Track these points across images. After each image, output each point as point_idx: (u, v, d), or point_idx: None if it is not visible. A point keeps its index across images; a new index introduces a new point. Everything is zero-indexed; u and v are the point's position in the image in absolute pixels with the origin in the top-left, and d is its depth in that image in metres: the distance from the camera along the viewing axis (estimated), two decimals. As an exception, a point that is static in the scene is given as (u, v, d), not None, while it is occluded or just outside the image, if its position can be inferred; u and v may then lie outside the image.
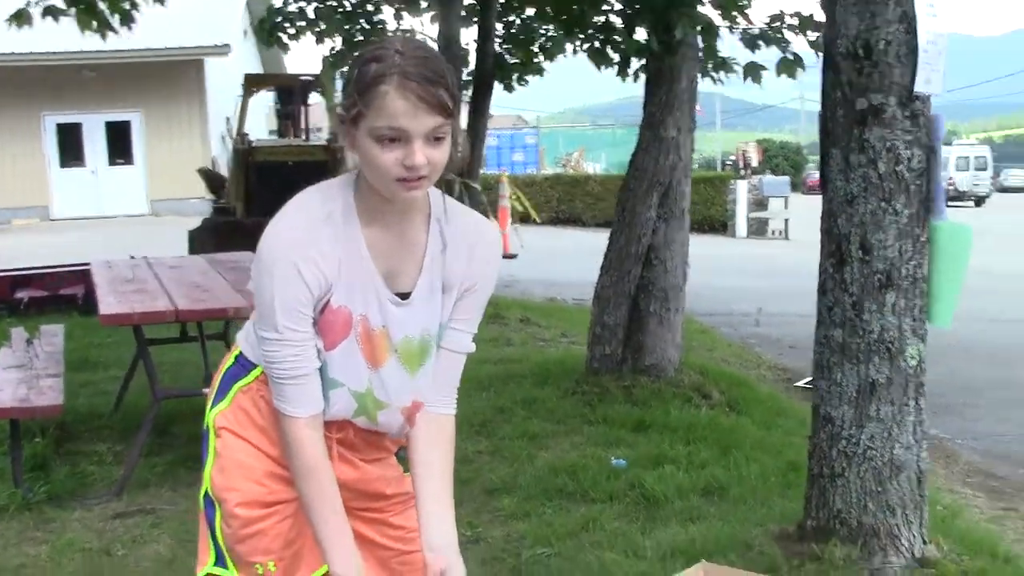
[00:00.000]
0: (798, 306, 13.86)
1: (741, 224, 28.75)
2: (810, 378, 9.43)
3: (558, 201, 32.04)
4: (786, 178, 32.63)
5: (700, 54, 7.80)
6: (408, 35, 2.63)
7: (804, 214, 30.09)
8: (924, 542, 4.58)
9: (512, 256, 14.87)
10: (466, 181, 11.54)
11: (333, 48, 11.77)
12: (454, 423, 2.68)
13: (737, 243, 27.21)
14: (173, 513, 5.39)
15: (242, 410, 2.58)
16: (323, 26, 11.50)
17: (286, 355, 2.39)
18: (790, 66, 6.98)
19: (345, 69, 10.50)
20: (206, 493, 2.59)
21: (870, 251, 4.48)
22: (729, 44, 8.01)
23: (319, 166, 13.05)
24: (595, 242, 24.10)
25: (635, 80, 8.43)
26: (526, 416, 6.91)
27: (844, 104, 4.55)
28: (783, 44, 7.22)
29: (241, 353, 2.61)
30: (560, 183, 33.25)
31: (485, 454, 6.27)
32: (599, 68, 8.11)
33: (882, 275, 4.47)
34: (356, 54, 2.54)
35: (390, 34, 10.47)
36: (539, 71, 11.59)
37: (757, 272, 18.92)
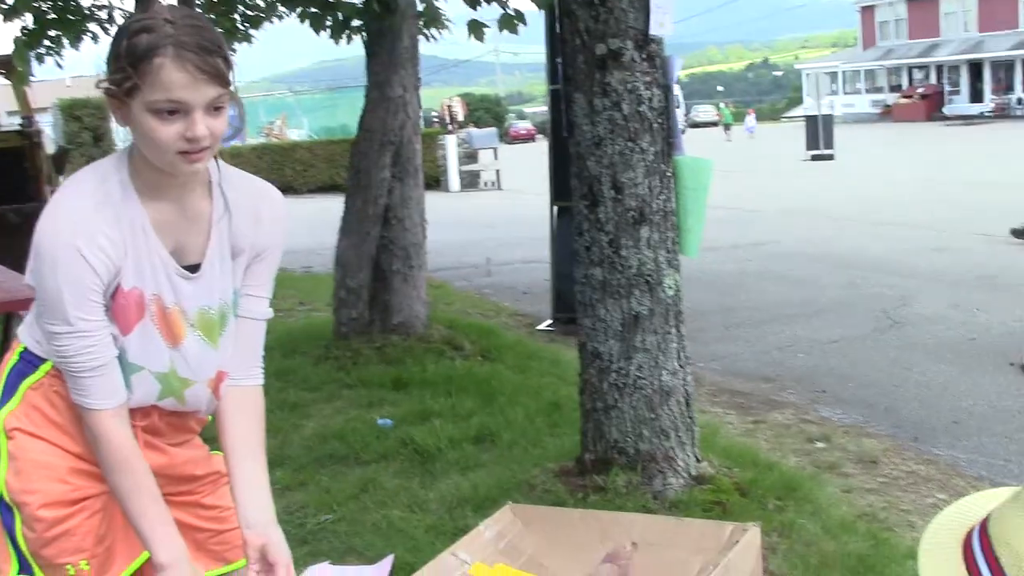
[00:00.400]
0: (523, 253, 14.33)
1: (454, 178, 29.21)
2: (550, 321, 9.86)
3: (268, 171, 31.51)
4: (493, 130, 33.35)
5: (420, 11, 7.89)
6: (171, 4, 2.52)
7: (511, 164, 30.95)
8: (697, 460, 4.86)
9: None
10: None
11: (24, 27, 11.18)
12: (262, 394, 2.66)
13: (452, 197, 27.67)
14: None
15: (35, 408, 2.45)
16: (11, 2, 10.90)
17: (81, 347, 2.29)
18: (510, 22, 7.12)
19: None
20: (0, 499, 2.44)
21: (621, 190, 4.69)
22: (452, 4, 8.09)
23: (15, 153, 12.37)
24: (311, 209, 24.02)
25: (348, 42, 8.40)
26: (281, 387, 6.86)
27: (583, 50, 4.72)
28: (503, 1, 7.36)
29: (26, 349, 2.47)
30: (268, 152, 32.96)
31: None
32: (317, 32, 8.04)
33: (635, 212, 4.69)
34: (120, 25, 2.42)
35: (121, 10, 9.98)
36: (247, 38, 11.37)
37: (478, 224, 19.31)
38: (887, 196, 19.97)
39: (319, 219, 20.93)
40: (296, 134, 43.57)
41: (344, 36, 8.10)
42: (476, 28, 7.32)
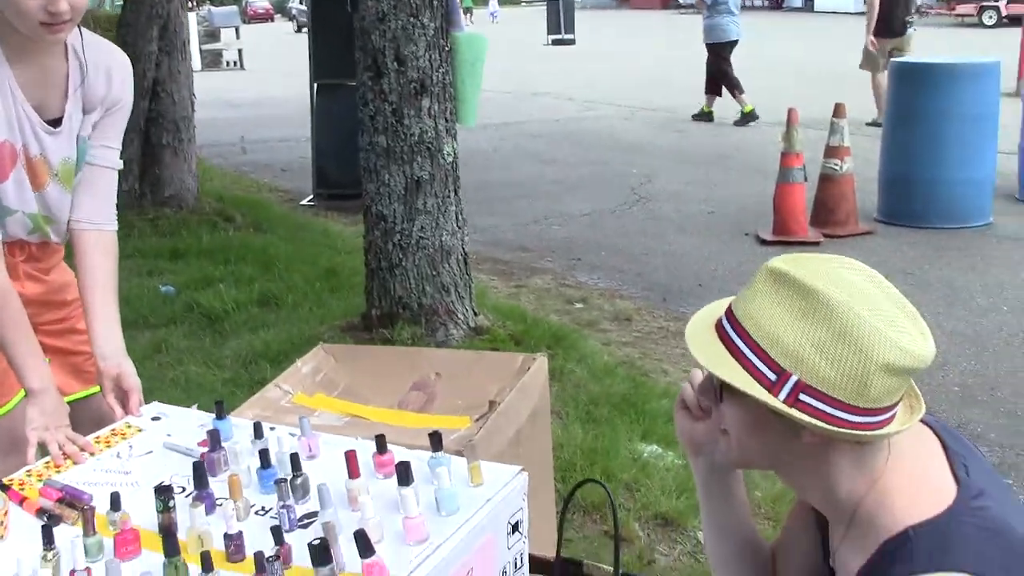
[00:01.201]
0: (278, 132, 14.37)
1: (195, 57, 28.47)
2: (312, 196, 10.06)
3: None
4: (234, 8, 32.52)
5: None
6: None
7: (252, 44, 30.39)
8: (475, 314, 5.29)
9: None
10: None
11: None
12: (116, 239, 2.91)
13: (196, 76, 26.94)
14: None
15: None
16: None
17: None
18: None
19: None
20: None
21: (404, 62, 5.00)
22: None
23: None
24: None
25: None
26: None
27: (368, -73, 4.98)
28: None
29: None
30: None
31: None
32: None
33: (417, 83, 5.01)
34: None
35: None
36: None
37: (225, 103, 19.04)
38: (627, 79, 20.74)
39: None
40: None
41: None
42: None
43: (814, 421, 1.62)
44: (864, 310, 1.58)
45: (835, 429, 1.61)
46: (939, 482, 1.68)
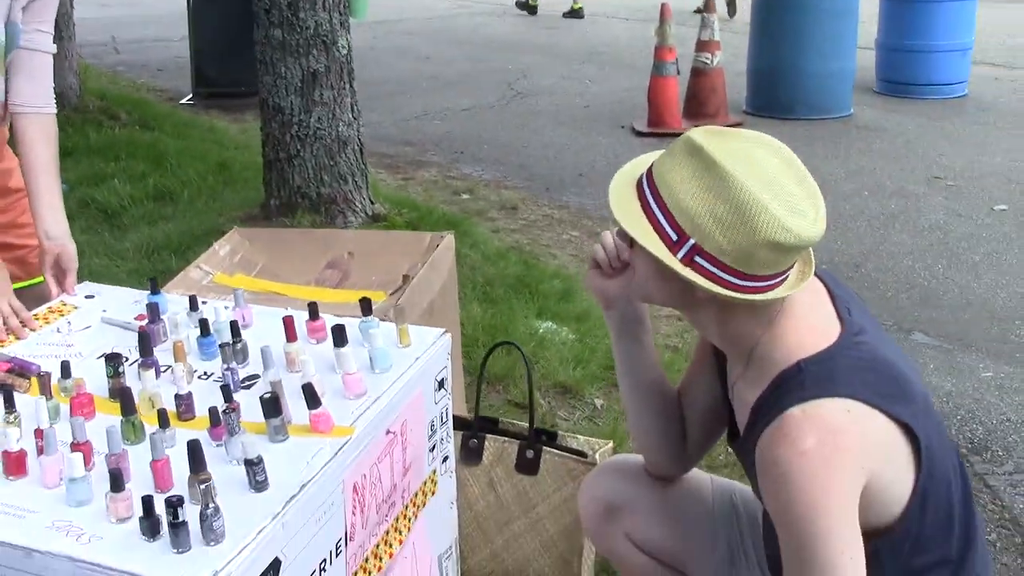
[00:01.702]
0: (152, 32, 14.08)
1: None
2: (191, 95, 9.96)
3: None
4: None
5: None
6: None
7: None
8: (372, 203, 5.42)
9: None
10: None
11: None
12: (56, 121, 2.95)
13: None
14: None
15: None
16: None
17: None
18: None
19: None
20: None
21: (299, -44, 5.04)
22: None
23: None
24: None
25: None
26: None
27: None
28: None
29: None
30: None
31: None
32: None
33: (312, -24, 5.07)
34: None
35: None
36: None
37: (94, 2, 18.46)
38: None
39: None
40: None
41: None
42: None
43: (704, 282, 1.80)
44: (762, 191, 1.75)
45: (722, 290, 1.80)
46: (826, 323, 1.89)
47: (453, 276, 3.68)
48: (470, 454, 2.93)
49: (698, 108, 8.81)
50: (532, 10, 15.77)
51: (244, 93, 9.63)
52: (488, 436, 2.95)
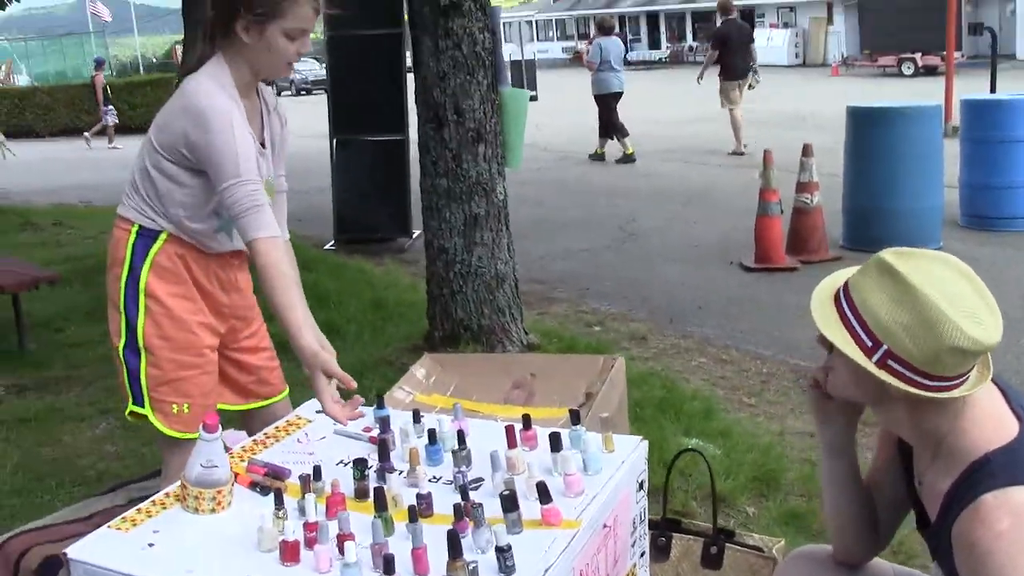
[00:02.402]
0: (291, 184, 14.56)
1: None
2: (333, 241, 10.33)
3: (7, 116, 29.89)
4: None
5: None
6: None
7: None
8: (526, 333, 5.62)
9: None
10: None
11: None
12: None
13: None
14: None
15: (165, 270, 2.95)
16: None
17: (248, 191, 2.75)
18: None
19: None
20: (128, 345, 2.98)
21: (463, 114, 5.35)
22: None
23: None
24: (56, 150, 23.11)
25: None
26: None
27: (429, 2, 5.33)
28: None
29: (141, 227, 2.97)
30: (7, 97, 31.19)
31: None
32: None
33: (474, 132, 5.36)
34: None
35: None
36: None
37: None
38: (588, 130, 21.08)
39: (60, 159, 20.38)
40: (19, 79, 41.60)
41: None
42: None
43: (896, 383, 1.97)
44: (944, 303, 1.92)
45: (912, 390, 1.97)
46: (1005, 419, 2.04)
47: (625, 395, 3.84)
48: (659, 551, 3.06)
49: (801, 244, 8.93)
50: (600, 158, 16.65)
51: (380, 239, 10.01)
52: (675, 535, 3.07)
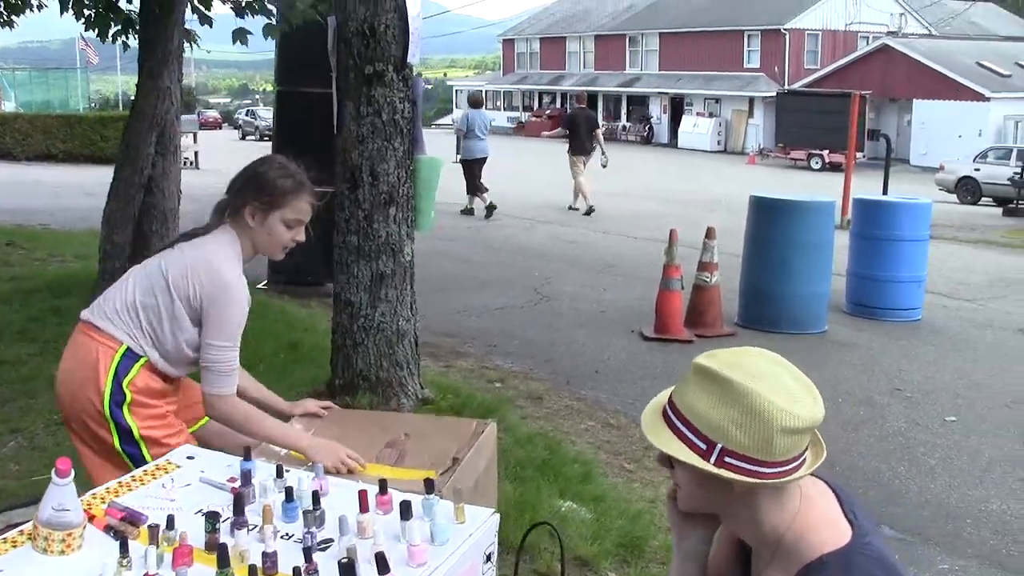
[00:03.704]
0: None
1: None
2: (266, 281, 10.12)
3: (-12, 140, 29.74)
4: (193, 116, 32.63)
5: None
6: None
7: (203, 148, 30.36)
8: (422, 388, 5.46)
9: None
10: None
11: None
12: None
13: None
14: None
15: (142, 391, 3.11)
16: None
17: (233, 356, 3.09)
18: (274, 30, 7.49)
19: None
20: (124, 442, 3.13)
21: (377, 177, 5.21)
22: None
23: None
24: (35, 174, 22.75)
25: (114, 41, 8.49)
26: (59, 323, 6.94)
27: (355, 69, 5.21)
28: (268, 12, 7.68)
29: (128, 348, 3.08)
30: (-12, 123, 31.03)
31: (37, 355, 6.33)
32: (104, 37, 8.17)
33: (386, 195, 5.22)
34: (259, 167, 3.17)
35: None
36: (9, 23, 10.92)
37: (186, 197, 18.94)
38: (525, 194, 21.14)
39: (43, 184, 20.06)
40: (4, 106, 41.45)
41: (123, 35, 8.19)
42: (241, 35, 7.61)
43: (737, 477, 1.87)
44: (765, 389, 1.84)
45: (754, 481, 1.87)
46: (839, 523, 1.94)
47: (494, 459, 3.69)
48: (506, 620, 2.90)
49: (698, 318, 8.90)
50: (470, 212, 17.61)
51: (310, 282, 9.82)
52: (523, 604, 2.91)
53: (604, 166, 18.68)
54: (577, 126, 18.35)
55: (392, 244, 5.26)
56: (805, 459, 1.93)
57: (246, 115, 57.84)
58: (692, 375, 1.95)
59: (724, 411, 1.87)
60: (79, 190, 18.74)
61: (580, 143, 18.24)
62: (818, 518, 1.94)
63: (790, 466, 1.89)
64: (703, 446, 1.89)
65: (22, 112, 35.43)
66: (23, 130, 29.71)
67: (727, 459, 1.87)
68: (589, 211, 17.97)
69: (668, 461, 1.99)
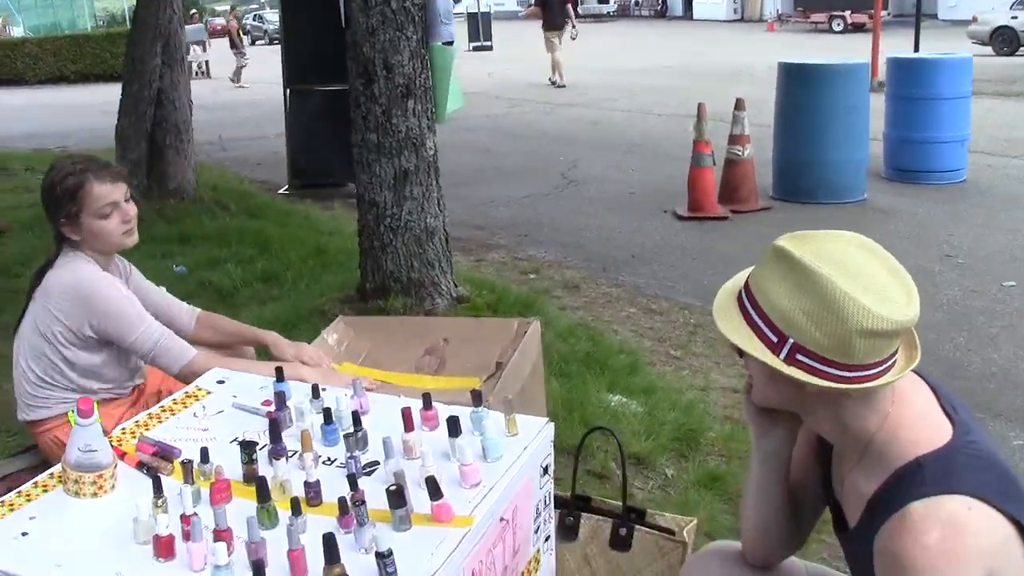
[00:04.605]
0: (248, 131, 14.15)
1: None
2: (287, 186, 9.93)
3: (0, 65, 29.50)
4: (200, 25, 32.10)
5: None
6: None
7: (213, 56, 29.93)
8: (455, 286, 5.26)
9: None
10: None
11: None
12: None
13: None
14: None
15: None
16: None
17: (154, 331, 2.93)
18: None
19: None
20: None
21: (392, 70, 4.93)
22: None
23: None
24: (44, 98, 22.55)
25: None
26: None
27: (360, -44, 4.89)
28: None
29: (72, 411, 2.90)
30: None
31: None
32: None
33: (403, 88, 4.95)
34: (43, 187, 2.97)
35: None
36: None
37: (199, 107, 18.63)
38: (542, 79, 20.69)
39: (50, 105, 19.84)
40: (13, 31, 41.01)
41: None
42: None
43: (810, 378, 1.66)
44: (847, 281, 1.62)
45: (828, 383, 1.65)
46: (937, 420, 1.73)
47: (540, 359, 3.51)
48: (567, 531, 2.74)
49: (731, 194, 8.63)
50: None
51: (332, 183, 9.61)
52: (583, 514, 2.75)
53: (573, 39, 19.93)
54: (551, 3, 19.34)
55: (413, 138, 5.00)
56: (895, 363, 1.70)
57: (254, 19, 56.86)
58: (768, 257, 1.73)
59: (797, 301, 1.66)
60: (93, 109, 18.47)
61: (552, 19, 19.36)
62: (913, 417, 1.73)
63: (873, 371, 1.67)
64: (774, 338, 1.69)
65: (30, 36, 35.00)
66: (33, 54, 29.67)
67: (799, 356, 1.67)
68: (553, 84, 19.44)
69: (740, 351, 1.78)
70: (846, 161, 8.80)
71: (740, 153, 8.61)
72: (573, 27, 19.66)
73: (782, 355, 1.68)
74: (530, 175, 10.52)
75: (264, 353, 3.26)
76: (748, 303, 1.74)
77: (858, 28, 33.79)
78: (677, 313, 5.86)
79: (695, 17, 48.77)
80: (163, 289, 3.35)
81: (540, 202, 9.22)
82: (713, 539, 2.68)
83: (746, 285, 1.77)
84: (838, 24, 36.74)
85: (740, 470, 3.80)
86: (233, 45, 25.89)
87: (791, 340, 1.66)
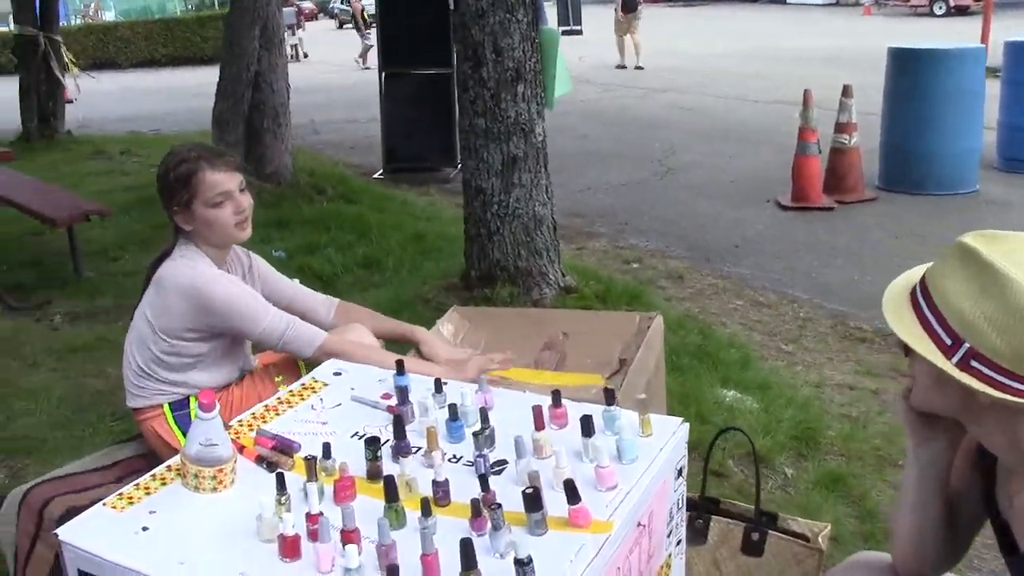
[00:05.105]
0: (342, 115, 14.19)
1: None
2: (381, 170, 9.92)
3: (94, 49, 29.96)
4: (293, 8, 32.38)
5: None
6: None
7: (307, 38, 30.17)
8: (563, 275, 5.17)
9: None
10: (49, 35, 10.66)
11: None
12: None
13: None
14: None
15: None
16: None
17: (282, 320, 2.87)
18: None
19: None
20: None
21: (501, 53, 4.84)
22: None
23: None
24: (137, 82, 22.95)
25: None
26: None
27: (469, -62, 4.81)
28: None
29: (171, 403, 2.98)
30: (92, 32, 31.49)
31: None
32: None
33: (513, 71, 4.86)
34: (157, 176, 2.91)
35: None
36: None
37: (292, 91, 18.82)
38: (630, 64, 20.46)
39: (145, 90, 20.17)
40: (107, 15, 41.95)
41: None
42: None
43: (982, 387, 1.54)
44: None
45: (1001, 395, 1.53)
46: None
47: (662, 356, 3.40)
48: (696, 534, 2.65)
49: (837, 184, 8.38)
50: None
51: (427, 168, 9.58)
52: (713, 517, 2.64)
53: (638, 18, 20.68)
54: None
55: (523, 124, 4.92)
56: None
57: (341, 3, 57.31)
58: (952, 255, 1.61)
59: (980, 304, 1.53)
60: (185, 92, 18.75)
61: (629, 1, 20.33)
62: None
63: None
64: (947, 340, 1.57)
65: (122, 20, 35.76)
66: (125, 38, 30.28)
67: (973, 362, 1.54)
68: (621, 67, 20.20)
69: (907, 349, 1.66)
70: (959, 150, 8.50)
71: (847, 141, 8.37)
72: (639, 4, 20.59)
73: (955, 359, 1.56)
74: (626, 161, 10.38)
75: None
76: (923, 301, 1.63)
77: (961, 11, 32.79)
78: (786, 306, 5.69)
79: (788, 1, 47.85)
80: (296, 281, 3.30)
81: (638, 189, 9.07)
82: (838, 544, 2.56)
83: (922, 281, 1.67)
84: (940, 7, 35.68)
85: (862, 471, 3.67)
86: (358, 27, 26.07)
87: (966, 344, 1.55)
